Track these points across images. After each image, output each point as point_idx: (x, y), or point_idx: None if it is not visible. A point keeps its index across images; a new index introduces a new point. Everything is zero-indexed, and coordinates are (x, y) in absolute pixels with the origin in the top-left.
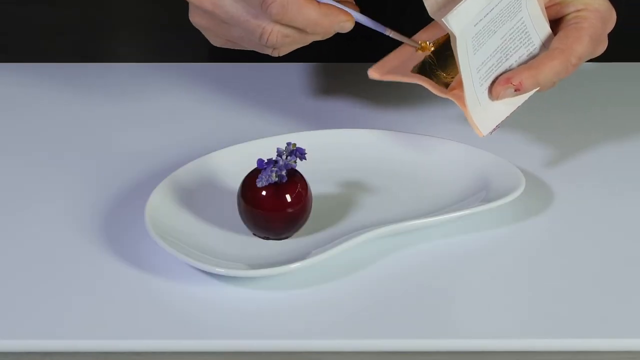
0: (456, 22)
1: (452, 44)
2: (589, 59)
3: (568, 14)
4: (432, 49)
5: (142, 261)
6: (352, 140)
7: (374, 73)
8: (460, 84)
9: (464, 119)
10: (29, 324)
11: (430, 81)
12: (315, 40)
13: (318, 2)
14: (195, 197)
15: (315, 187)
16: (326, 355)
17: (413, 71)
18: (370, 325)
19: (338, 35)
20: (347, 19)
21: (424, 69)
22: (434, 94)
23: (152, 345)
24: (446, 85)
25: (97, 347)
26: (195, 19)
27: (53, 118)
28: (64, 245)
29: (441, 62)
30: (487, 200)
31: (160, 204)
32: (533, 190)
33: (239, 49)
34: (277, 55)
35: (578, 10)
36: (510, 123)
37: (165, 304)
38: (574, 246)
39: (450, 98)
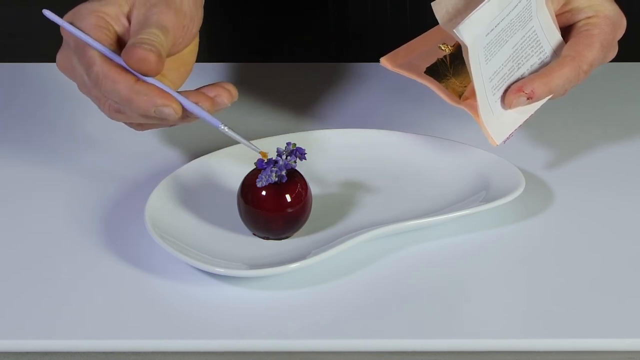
0: (468, 33)
1: (463, 54)
2: (600, 65)
3: (579, 21)
4: (451, 51)
5: (142, 261)
6: (352, 140)
7: (387, 62)
8: (473, 94)
9: (463, 119)
10: (29, 324)
11: (443, 88)
12: (153, 125)
13: (137, 79)
14: (195, 197)
15: (315, 187)
16: (326, 355)
17: (426, 72)
18: (369, 325)
19: (338, 35)
20: (163, 104)
21: (436, 71)
22: (435, 95)
23: (151, 345)
24: (459, 95)
25: (96, 347)
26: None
27: (53, 118)
28: (63, 245)
29: (454, 69)
30: (487, 200)
31: (160, 204)
32: (533, 190)
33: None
34: (140, 131)
35: (588, 17)
36: None
37: (164, 304)
38: (573, 246)
39: (464, 108)
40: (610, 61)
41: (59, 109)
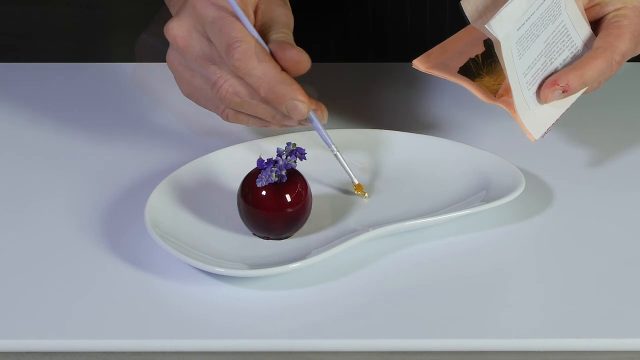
0: (499, 28)
1: (496, 50)
2: (632, 57)
3: (608, 14)
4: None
5: (142, 261)
6: (352, 140)
7: (419, 64)
8: (507, 91)
9: (464, 119)
10: (29, 324)
11: (478, 87)
12: (262, 116)
13: (284, 71)
14: (195, 197)
15: (315, 187)
16: (326, 355)
17: (459, 72)
18: (369, 325)
19: (338, 34)
20: (302, 100)
21: (469, 70)
22: (434, 95)
23: (151, 345)
24: (494, 92)
25: (97, 347)
26: (170, 58)
27: (53, 118)
28: (64, 245)
29: (487, 67)
30: (487, 200)
31: (160, 204)
32: (533, 190)
33: (198, 105)
34: (226, 119)
35: (617, 9)
36: (510, 123)
37: (165, 304)
38: (573, 246)
39: (500, 105)
40: None
41: (58, 109)
